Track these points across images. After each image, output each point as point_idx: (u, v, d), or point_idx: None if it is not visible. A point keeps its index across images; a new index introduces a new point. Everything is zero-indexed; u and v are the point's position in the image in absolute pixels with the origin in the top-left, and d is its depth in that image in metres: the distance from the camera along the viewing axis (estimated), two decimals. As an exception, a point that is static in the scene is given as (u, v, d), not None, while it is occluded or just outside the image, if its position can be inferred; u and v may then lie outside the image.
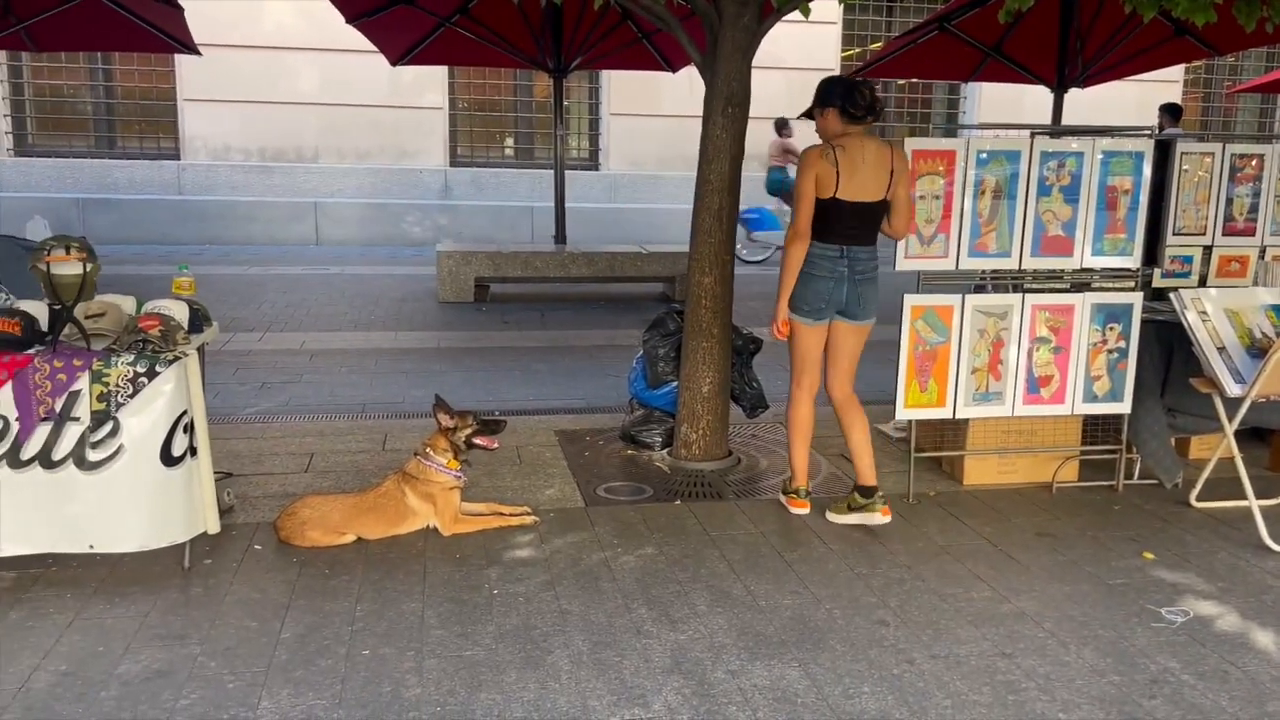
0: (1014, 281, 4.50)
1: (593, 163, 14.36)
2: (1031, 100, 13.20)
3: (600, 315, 9.11)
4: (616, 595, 3.40)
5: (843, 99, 3.86)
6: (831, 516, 4.14)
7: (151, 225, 12.57)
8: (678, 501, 4.31)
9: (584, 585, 3.47)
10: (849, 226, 3.95)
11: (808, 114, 4.05)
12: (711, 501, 4.32)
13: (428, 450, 3.93)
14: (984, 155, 4.22)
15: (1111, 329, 4.44)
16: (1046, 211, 4.31)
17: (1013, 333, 4.37)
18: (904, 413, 4.39)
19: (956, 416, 4.43)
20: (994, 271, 4.48)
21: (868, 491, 4.12)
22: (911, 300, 4.27)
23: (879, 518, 4.09)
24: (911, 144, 4.14)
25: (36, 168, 12.70)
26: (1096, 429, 4.73)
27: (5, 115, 12.69)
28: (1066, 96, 9.91)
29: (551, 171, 10.57)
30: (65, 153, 12.95)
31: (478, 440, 4.00)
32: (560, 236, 10.45)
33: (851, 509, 4.13)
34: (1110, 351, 4.46)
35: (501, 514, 4.03)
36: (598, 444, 5.08)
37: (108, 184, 12.78)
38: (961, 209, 4.23)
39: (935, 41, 9.86)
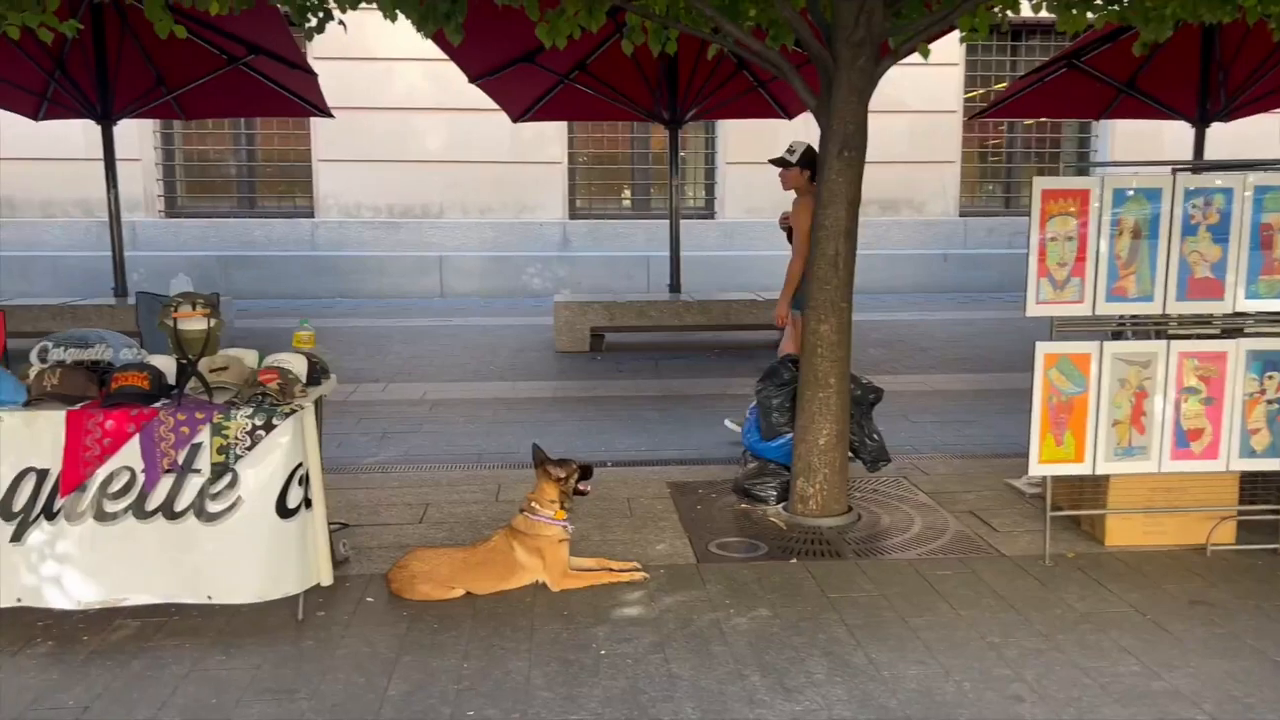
0: (1156, 327, 4.19)
1: (708, 211, 14.36)
2: (1170, 136, 12.61)
3: (714, 364, 9.01)
4: (728, 660, 3.24)
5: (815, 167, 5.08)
6: None
7: (288, 280, 13.14)
8: (794, 560, 4.13)
9: (694, 648, 3.33)
10: None
11: (781, 162, 5.71)
12: (830, 560, 4.13)
13: (533, 504, 3.88)
14: (1121, 194, 3.96)
15: (1270, 378, 4.08)
16: (1193, 252, 4.01)
17: (1157, 382, 4.06)
18: (1038, 468, 4.12)
19: (1096, 472, 4.13)
20: (1134, 317, 4.18)
21: None
22: (1044, 348, 4.02)
23: None
24: (1041, 183, 3.93)
25: (184, 228, 13.48)
26: (1256, 487, 4.34)
27: (157, 179, 13.55)
28: (1208, 131, 9.38)
29: (667, 221, 10.59)
30: (210, 213, 13.72)
31: (581, 486, 3.96)
32: (675, 285, 10.42)
33: None
34: (1270, 402, 4.09)
35: (610, 569, 3.94)
36: (710, 497, 4.95)
37: (248, 242, 13.45)
38: (1097, 251, 3.97)
39: (1064, 79, 9.54)
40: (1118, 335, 4.22)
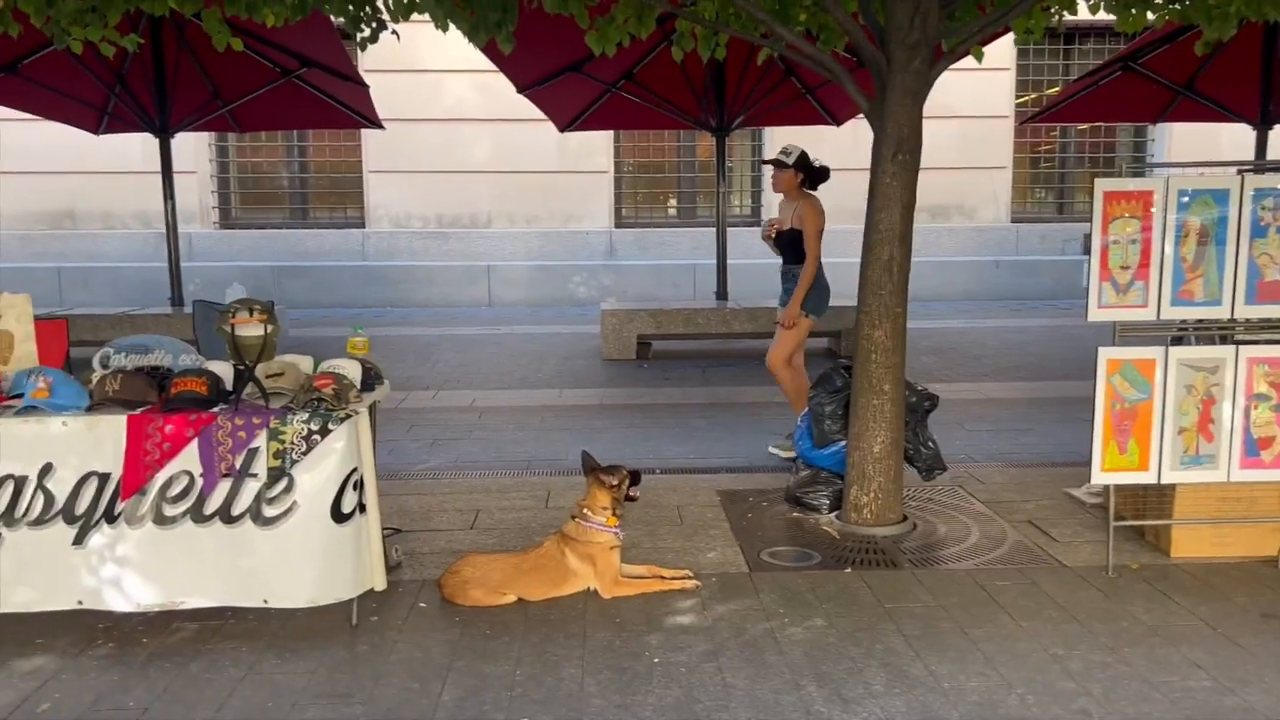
0: (1222, 332, 4.07)
1: (755, 219, 14.29)
2: (1229, 139, 12.31)
3: (762, 371, 8.88)
4: (784, 670, 3.19)
5: (810, 172, 5.83)
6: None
7: (339, 290, 13.32)
8: (848, 569, 4.07)
9: (749, 657, 3.28)
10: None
11: (777, 163, 5.80)
12: (885, 570, 4.06)
13: (585, 511, 3.86)
14: (1186, 195, 3.86)
15: (1345, 384, 3.94)
16: (1263, 255, 3.89)
17: (1226, 389, 3.94)
18: (1101, 476, 4.01)
19: (1162, 481, 4.02)
20: (1199, 321, 4.07)
21: None
22: (1107, 353, 3.92)
23: None
24: (1103, 185, 3.84)
25: (239, 239, 13.72)
26: (1330, 497, 4.19)
27: (212, 191, 13.81)
28: (1271, 132, 9.14)
29: (714, 229, 10.56)
30: (263, 224, 13.95)
31: (631, 492, 3.96)
32: (722, 293, 10.38)
33: None
34: (1344, 410, 3.95)
35: (662, 577, 3.90)
36: (761, 505, 4.90)
37: (300, 252, 13.65)
38: (1162, 254, 3.87)
39: (1119, 82, 9.35)
40: (1178, 341, 4.10)
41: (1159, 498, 4.22)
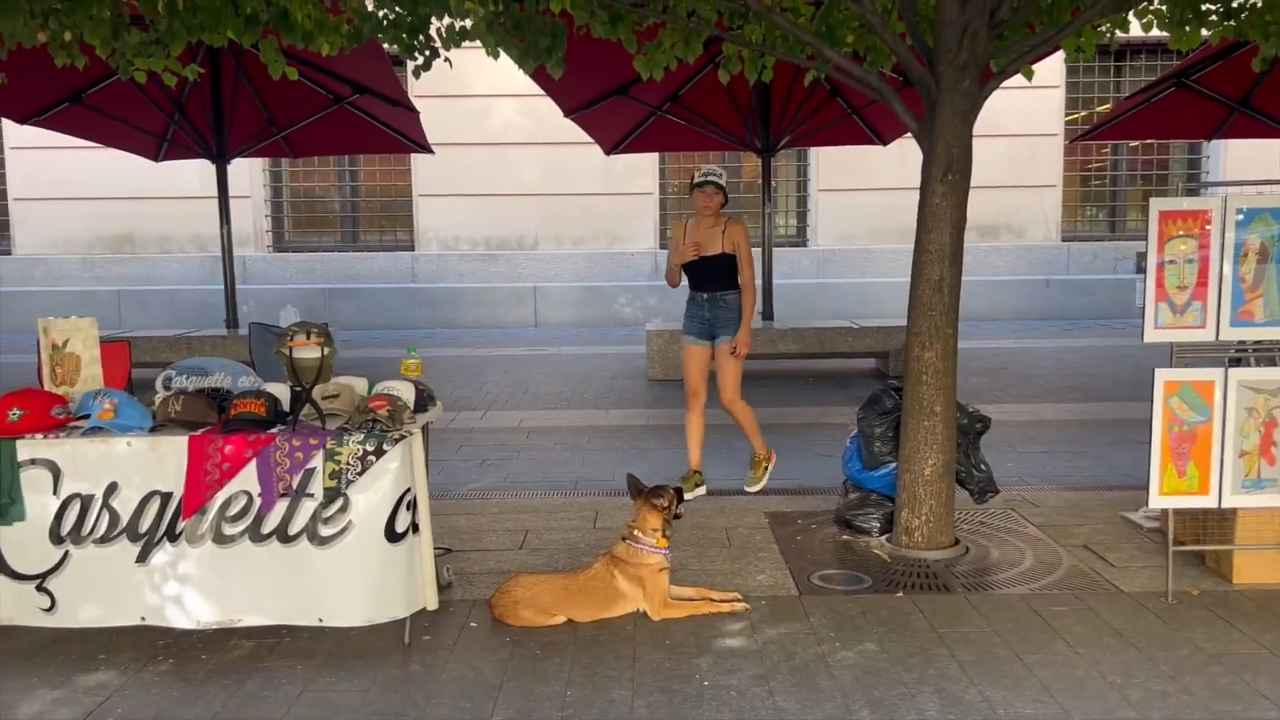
0: (1285, 353, 3.99)
1: (800, 239, 14.28)
2: (1287, 155, 12.10)
3: (809, 392, 8.90)
4: (835, 694, 3.17)
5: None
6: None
7: (389, 312, 13.52)
8: (900, 593, 4.03)
9: (799, 681, 3.26)
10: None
11: (717, 185, 5.34)
12: (937, 594, 4.01)
13: (635, 532, 3.87)
14: (1244, 213, 3.80)
15: None
16: (1326, 274, 3.81)
17: (1288, 411, 3.85)
18: (1158, 500, 3.94)
19: (1223, 505, 3.94)
20: (1258, 342, 3.99)
21: None
22: (1164, 375, 3.86)
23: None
24: (1158, 204, 3.80)
25: (291, 261, 13.99)
26: (1399, 523, 4.07)
27: (266, 215, 14.12)
28: (1332, 148, 8.95)
29: (759, 249, 10.56)
30: (315, 247, 14.22)
31: (678, 510, 3.98)
32: (768, 313, 10.36)
33: None
34: None
35: (711, 599, 3.90)
36: (810, 527, 4.87)
37: (351, 274, 13.89)
38: (1220, 274, 3.81)
39: (1172, 99, 9.22)
40: (1236, 362, 4.02)
41: (1219, 522, 4.13)
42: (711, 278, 5.46)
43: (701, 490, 5.55)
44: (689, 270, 5.48)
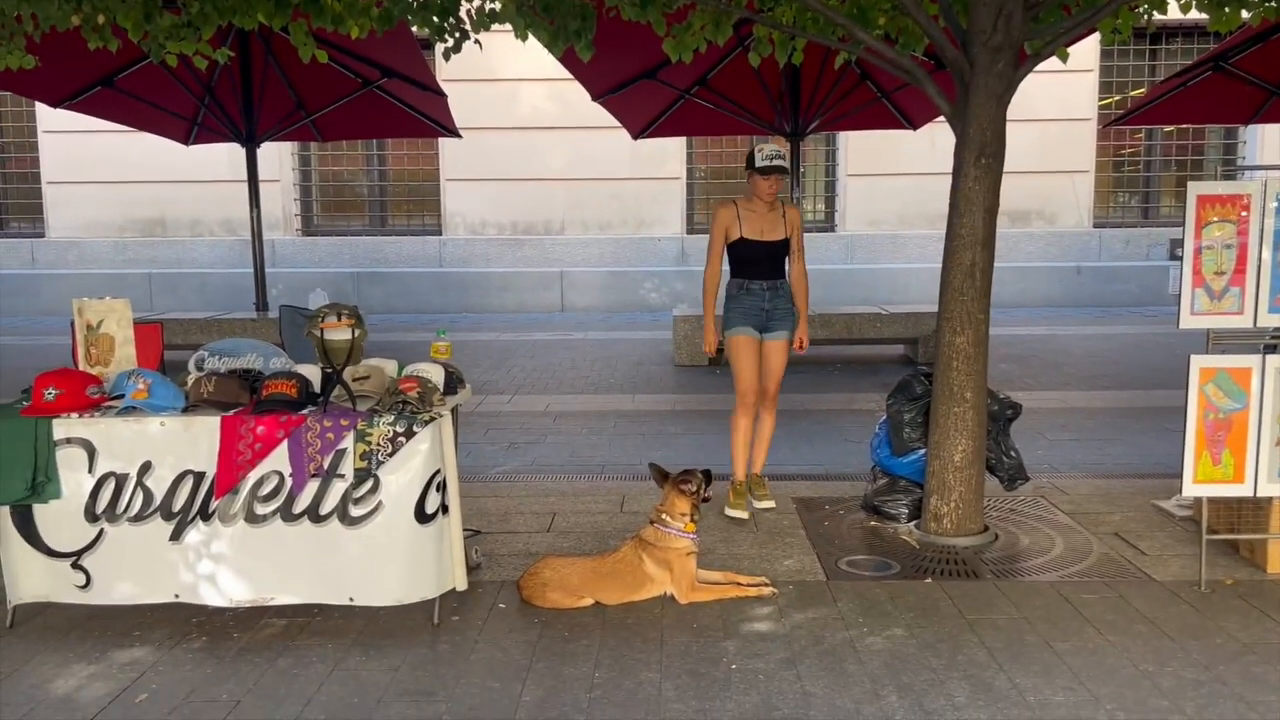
0: (1324, 340, 3.92)
1: (829, 224, 14.19)
2: (1327, 140, 11.88)
3: (837, 378, 8.86)
4: (864, 679, 3.16)
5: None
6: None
7: (416, 296, 13.58)
8: (928, 579, 4.01)
9: (827, 666, 3.26)
10: None
11: (781, 169, 4.80)
12: (966, 581, 3.99)
13: (663, 516, 3.87)
14: (1286, 198, 3.73)
15: None
16: (1367, 259, 3.74)
17: (1327, 399, 3.79)
18: (1192, 488, 3.89)
19: (1258, 494, 3.88)
20: (1297, 329, 3.92)
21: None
22: (1200, 361, 3.81)
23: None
24: (1196, 189, 3.74)
25: (320, 245, 14.08)
26: None
27: (295, 199, 14.20)
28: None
29: (788, 235, 10.50)
30: (344, 231, 14.30)
31: (705, 493, 3.97)
32: (796, 299, 10.31)
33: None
34: None
35: (739, 584, 3.90)
36: (838, 513, 4.86)
37: (379, 259, 13.96)
38: (1259, 259, 3.74)
39: (1209, 83, 9.05)
40: (1272, 349, 3.95)
41: (1255, 511, 4.07)
42: (775, 265, 4.96)
43: (770, 503, 4.97)
44: (744, 257, 4.92)
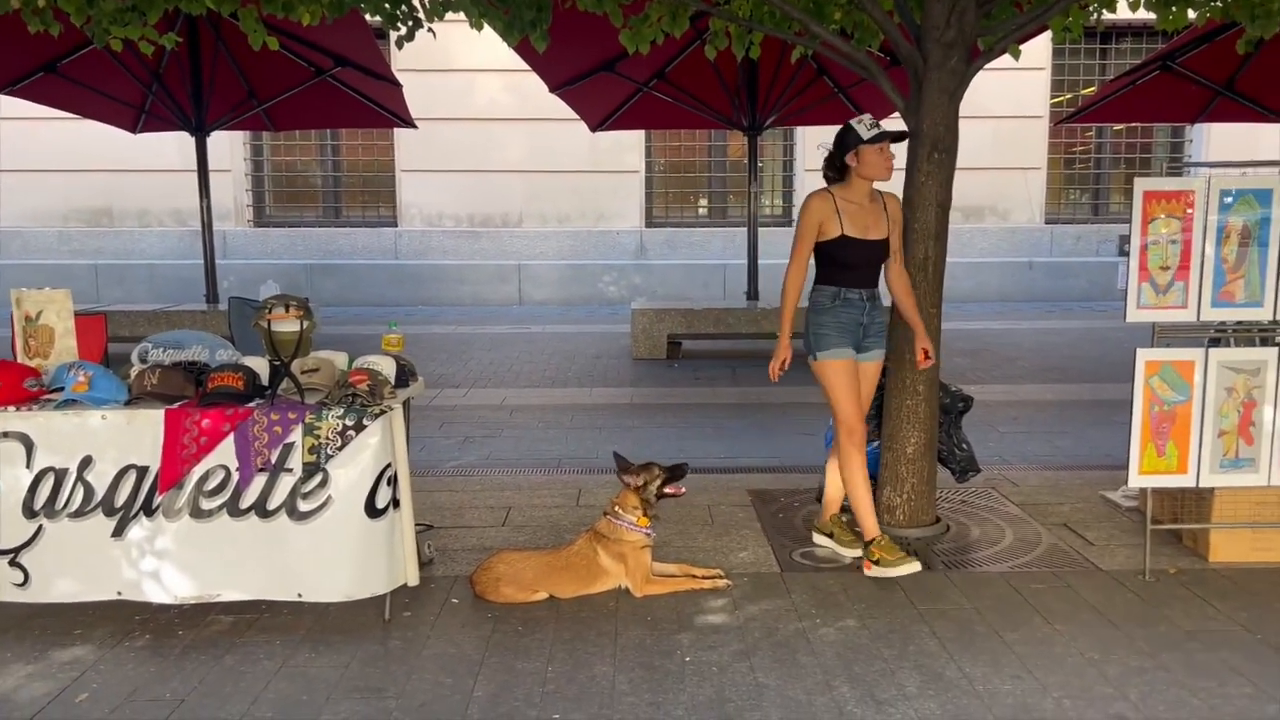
0: (1263, 334, 4.01)
1: (786, 219, 14.25)
2: (1268, 140, 12.16)
3: (793, 372, 8.85)
4: (816, 670, 3.18)
5: None
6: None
7: (371, 288, 13.42)
8: (881, 570, 4.04)
9: (780, 657, 3.27)
10: None
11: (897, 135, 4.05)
12: (918, 572, 4.02)
13: (616, 509, 3.86)
14: (1230, 196, 3.80)
15: (1392, 388, 3.86)
16: (1307, 256, 3.82)
17: (1268, 391, 3.88)
18: (1138, 479, 3.96)
19: (1200, 485, 3.96)
20: (1238, 323, 4.00)
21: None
22: (1146, 354, 3.87)
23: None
24: (1143, 184, 3.80)
25: (272, 237, 13.86)
26: (1375, 503, 4.11)
27: (247, 190, 13.97)
28: (1314, 133, 8.99)
29: (745, 229, 10.54)
30: (297, 222, 14.08)
31: (667, 490, 3.92)
32: (753, 293, 10.36)
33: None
34: (1391, 414, 3.87)
35: (694, 576, 3.90)
36: (793, 505, 4.88)
37: (333, 250, 13.78)
38: (1203, 255, 3.81)
39: (1157, 82, 9.23)
40: (1215, 342, 4.04)
41: (1197, 501, 4.16)
42: (875, 269, 4.13)
43: (916, 566, 3.96)
44: (844, 260, 4.09)
